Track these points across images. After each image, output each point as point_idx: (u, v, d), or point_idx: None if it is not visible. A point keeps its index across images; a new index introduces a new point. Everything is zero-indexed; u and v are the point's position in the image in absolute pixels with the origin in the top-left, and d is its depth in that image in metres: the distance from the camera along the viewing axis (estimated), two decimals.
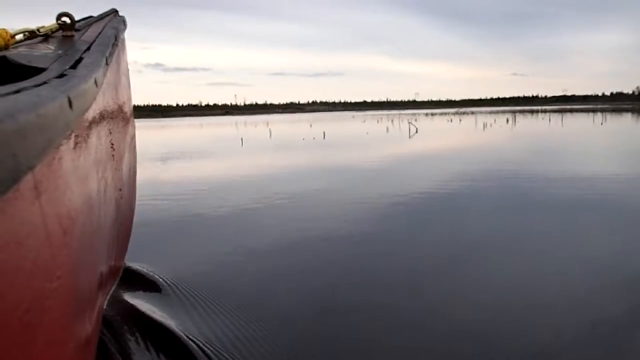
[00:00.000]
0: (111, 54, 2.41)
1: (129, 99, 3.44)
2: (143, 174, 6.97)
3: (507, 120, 35.50)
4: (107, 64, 2.20)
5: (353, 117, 70.64)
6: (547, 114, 54.88)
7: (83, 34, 2.71)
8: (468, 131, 24.57)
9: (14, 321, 0.89)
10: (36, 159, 0.98)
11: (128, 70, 3.45)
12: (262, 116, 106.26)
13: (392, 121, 42.78)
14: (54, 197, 1.13)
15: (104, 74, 2.10)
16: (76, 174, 1.41)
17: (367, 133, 23.29)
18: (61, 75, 1.62)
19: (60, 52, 2.21)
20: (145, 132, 35.77)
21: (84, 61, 1.98)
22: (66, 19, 2.64)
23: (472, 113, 72.51)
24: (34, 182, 0.97)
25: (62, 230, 1.20)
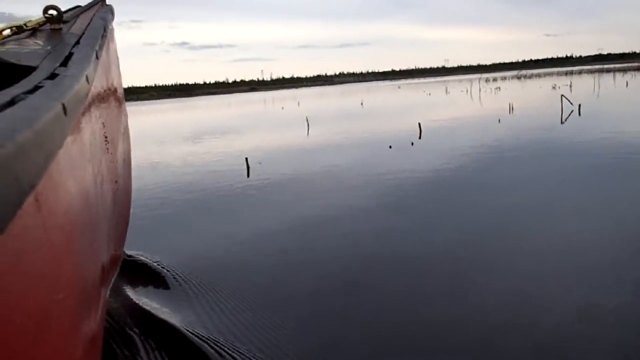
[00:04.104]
0: (101, 47, 2.41)
1: (120, 87, 3.44)
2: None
3: None
4: (97, 57, 2.20)
5: (399, 87, 59.82)
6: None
7: (71, 26, 2.69)
8: None
9: (28, 327, 0.93)
10: (37, 176, 0.99)
11: (118, 59, 3.44)
12: (289, 91, 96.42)
13: (467, 90, 32.24)
14: (54, 206, 1.14)
15: (95, 69, 2.09)
16: (74, 177, 1.42)
17: (500, 121, 13.06)
18: (53, 76, 1.63)
19: (49, 47, 2.21)
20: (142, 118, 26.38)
21: (74, 57, 1.98)
22: (53, 12, 2.59)
23: (540, 76, 60.89)
24: (36, 197, 0.98)
25: (64, 237, 1.23)
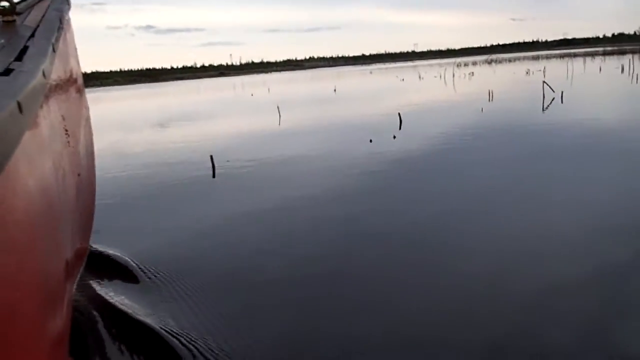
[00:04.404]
0: (57, 39, 2.36)
1: (80, 78, 3.43)
2: None
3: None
4: (54, 50, 2.16)
5: (371, 72, 59.15)
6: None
7: (25, 17, 2.64)
8: None
9: None
10: None
11: (76, 50, 3.41)
12: (259, 76, 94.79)
13: (441, 75, 31.72)
14: (13, 204, 1.14)
15: (52, 63, 2.05)
16: (32, 173, 1.41)
17: (482, 110, 12.35)
18: (7, 72, 1.61)
19: (2, 41, 2.16)
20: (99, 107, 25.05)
21: (29, 51, 1.96)
22: (5, 4, 2.52)
23: (510, 61, 61.04)
24: None
25: (25, 235, 1.24)
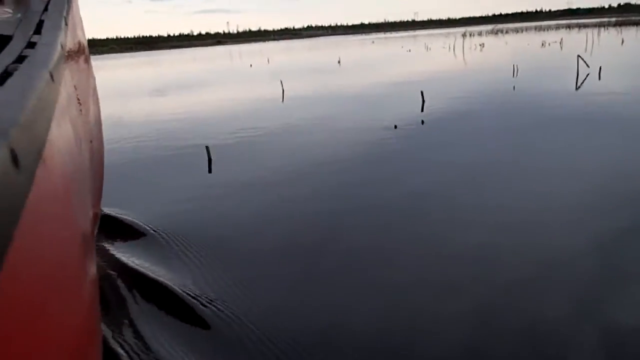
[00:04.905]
0: (67, 13, 2.47)
1: (86, 50, 3.53)
2: None
3: None
4: (66, 24, 2.25)
5: (373, 42, 57.16)
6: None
7: None
8: None
9: (45, 275, 1.00)
10: (45, 138, 1.09)
11: (82, 21, 3.50)
12: (257, 45, 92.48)
13: (449, 47, 30.04)
14: (53, 166, 1.20)
15: (66, 35, 2.14)
16: (63, 139, 1.47)
17: (515, 89, 10.98)
18: (31, 44, 1.71)
19: (19, 15, 2.34)
20: None
21: (45, 24, 2.07)
22: None
23: (517, 31, 59.04)
24: (44, 158, 1.04)
25: (64, 193, 1.30)
